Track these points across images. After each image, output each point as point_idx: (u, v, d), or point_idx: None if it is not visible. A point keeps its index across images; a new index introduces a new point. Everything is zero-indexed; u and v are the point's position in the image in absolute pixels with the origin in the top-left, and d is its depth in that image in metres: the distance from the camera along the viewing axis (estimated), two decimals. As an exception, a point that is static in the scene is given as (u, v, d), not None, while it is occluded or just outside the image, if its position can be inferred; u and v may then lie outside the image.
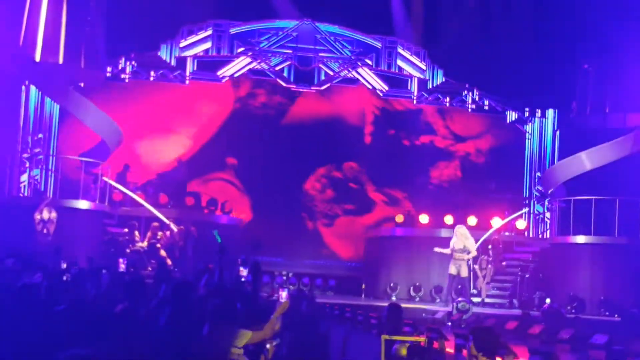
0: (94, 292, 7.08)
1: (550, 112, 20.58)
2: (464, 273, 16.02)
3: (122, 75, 19.74)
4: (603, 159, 17.50)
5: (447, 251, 16.22)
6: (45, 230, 15.01)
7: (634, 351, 9.80)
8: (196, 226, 16.75)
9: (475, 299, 16.96)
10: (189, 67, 19.99)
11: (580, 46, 17.84)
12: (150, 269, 15.32)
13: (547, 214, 20.02)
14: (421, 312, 15.25)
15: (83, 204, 16.77)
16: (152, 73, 19.87)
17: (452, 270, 16.01)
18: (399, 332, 7.85)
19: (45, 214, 15.11)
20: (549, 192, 19.07)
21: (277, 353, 6.25)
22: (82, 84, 18.90)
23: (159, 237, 16.88)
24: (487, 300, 17.36)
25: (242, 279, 10.27)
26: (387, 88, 20.71)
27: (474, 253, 16.19)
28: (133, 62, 19.71)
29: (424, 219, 19.31)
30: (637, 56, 16.86)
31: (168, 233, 16.94)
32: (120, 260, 10.93)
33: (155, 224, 17.05)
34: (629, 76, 16.97)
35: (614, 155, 17.40)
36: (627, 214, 16.74)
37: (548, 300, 15.44)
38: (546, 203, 19.94)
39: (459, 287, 16.09)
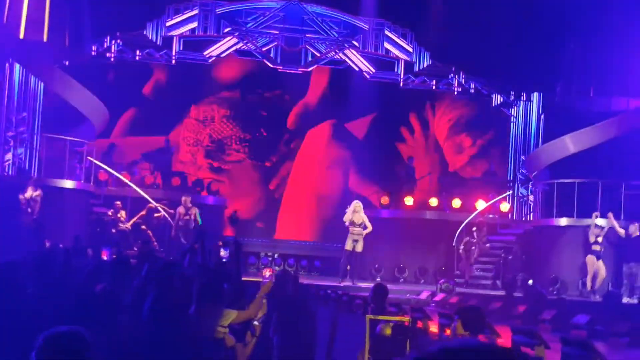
0: (81, 272, 7.09)
1: (535, 96, 20.68)
2: (360, 248, 15.94)
3: (108, 54, 19.59)
4: (587, 142, 17.63)
5: (369, 229, 16.00)
6: (29, 210, 14.94)
7: (618, 331, 9.96)
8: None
9: (459, 280, 17.14)
10: (175, 46, 19.87)
11: (565, 29, 17.89)
12: (135, 249, 15.32)
13: (531, 197, 20.18)
14: (405, 293, 15.39)
15: (68, 184, 16.71)
16: (137, 52, 19.74)
17: (349, 245, 15.89)
18: (384, 312, 7.93)
19: (29, 193, 15.03)
20: (533, 175, 19.21)
21: (265, 333, 6.31)
22: (66, 63, 18.75)
23: (157, 216, 16.86)
24: (470, 281, 17.54)
25: (223, 260, 10.31)
26: (373, 70, 20.71)
27: (370, 228, 16.00)
28: (119, 41, 19.55)
29: (409, 200, 19.43)
30: (622, 40, 16.94)
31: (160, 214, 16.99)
32: (104, 251, 10.87)
33: (151, 205, 17.05)
34: (614, 60, 17.06)
35: (597, 138, 17.54)
36: (609, 196, 16.92)
37: (531, 282, 15.63)
38: (530, 186, 20.10)
39: (354, 262, 16.05)
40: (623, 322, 9.85)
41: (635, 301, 13.78)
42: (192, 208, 16.45)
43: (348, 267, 16.12)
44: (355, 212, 15.92)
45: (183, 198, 16.62)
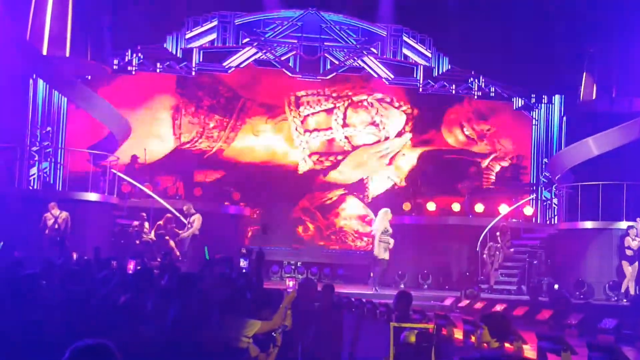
0: (106, 284, 7.16)
1: (556, 98, 20.55)
2: (388, 256, 15.75)
3: (129, 68, 19.82)
4: (610, 144, 17.46)
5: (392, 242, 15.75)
6: (56, 226, 15.09)
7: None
8: (205, 216, 16.82)
9: (483, 286, 17.01)
10: (195, 58, 20.05)
11: (586, 31, 17.77)
12: (159, 260, 15.42)
13: (555, 200, 20.01)
14: (429, 299, 15.31)
15: (92, 196, 16.90)
16: (158, 65, 19.94)
17: (387, 254, 15.68)
18: (408, 319, 7.91)
19: (55, 211, 15.16)
20: (557, 178, 19.05)
21: (287, 343, 6.32)
22: (89, 77, 19.01)
23: (182, 235, 16.91)
24: (495, 287, 17.40)
25: (243, 271, 10.36)
26: (392, 76, 20.72)
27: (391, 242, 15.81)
28: (139, 54, 19.78)
29: (431, 206, 19.36)
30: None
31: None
32: (130, 262, 10.99)
33: (169, 215, 17.14)
34: (635, 60, 16.90)
35: (621, 140, 17.36)
36: (634, 198, 16.72)
37: (557, 286, 15.48)
38: (553, 189, 19.93)
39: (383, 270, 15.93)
40: (651, 325, 9.72)
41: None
42: (194, 215, 16.38)
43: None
44: (387, 219, 15.78)
45: (185, 207, 16.64)
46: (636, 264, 15.41)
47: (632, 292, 15.23)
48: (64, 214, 15.16)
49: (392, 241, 15.72)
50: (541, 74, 19.26)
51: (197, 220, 16.34)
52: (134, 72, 19.95)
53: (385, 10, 20.25)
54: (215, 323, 5.60)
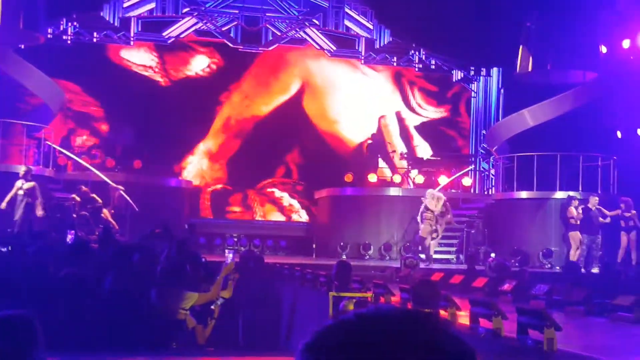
0: (39, 256, 7.03)
1: (494, 71, 20.88)
2: (431, 234, 16.59)
3: (64, 37, 19.24)
4: (545, 116, 17.90)
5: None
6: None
7: (574, 300, 10.21)
8: (141, 190, 16.63)
9: (423, 255, 17.33)
10: (133, 27, 19.58)
11: (523, 4, 18.05)
12: (97, 233, 15.18)
13: (492, 171, 20.44)
14: (370, 270, 15.52)
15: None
16: (95, 34, 19.41)
17: (425, 232, 16.46)
18: (347, 288, 8.04)
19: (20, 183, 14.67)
20: (494, 149, 19.45)
21: (225, 315, 6.35)
22: (22, 46, 18.37)
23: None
24: (435, 256, 17.73)
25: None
26: (334, 48, 20.69)
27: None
28: (75, 23, 19.20)
29: (372, 178, 19.54)
30: (578, 14, 17.16)
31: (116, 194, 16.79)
32: (68, 232, 10.79)
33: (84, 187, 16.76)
34: (570, 34, 17.28)
35: (555, 112, 17.81)
36: (568, 168, 17.23)
37: (493, 255, 15.87)
38: (491, 160, 20.34)
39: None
40: (579, 291, 10.08)
41: (595, 270, 14.10)
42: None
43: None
44: (431, 199, 16.26)
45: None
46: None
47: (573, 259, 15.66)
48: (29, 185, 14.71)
49: (432, 218, 16.28)
50: (480, 47, 19.52)
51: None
52: (69, 42, 19.37)
53: None
54: (153, 295, 5.58)
